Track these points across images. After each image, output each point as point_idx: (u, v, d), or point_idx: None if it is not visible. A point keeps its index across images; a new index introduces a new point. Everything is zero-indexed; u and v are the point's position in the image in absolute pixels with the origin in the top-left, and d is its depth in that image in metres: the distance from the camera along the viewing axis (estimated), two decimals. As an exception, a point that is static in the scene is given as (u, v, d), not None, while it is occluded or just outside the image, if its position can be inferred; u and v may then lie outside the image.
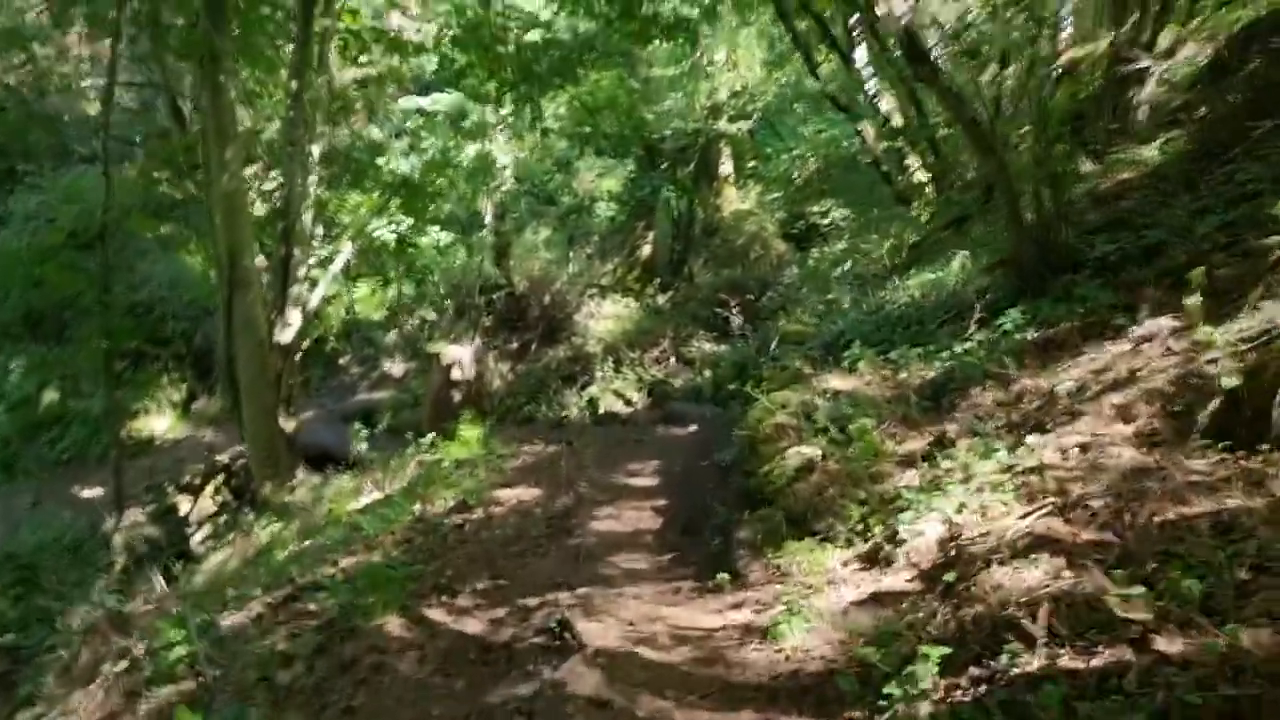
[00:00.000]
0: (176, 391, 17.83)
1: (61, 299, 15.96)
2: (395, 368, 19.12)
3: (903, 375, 6.81)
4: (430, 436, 9.83)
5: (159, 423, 17.63)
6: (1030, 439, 4.65)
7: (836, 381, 7.06)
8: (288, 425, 12.96)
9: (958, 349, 6.45)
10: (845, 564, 4.78)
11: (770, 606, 4.64)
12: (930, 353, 6.75)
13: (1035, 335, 6.18)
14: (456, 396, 10.42)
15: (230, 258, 12.05)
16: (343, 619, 5.21)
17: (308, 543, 8.30)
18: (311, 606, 5.84)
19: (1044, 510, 4.15)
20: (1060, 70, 13.31)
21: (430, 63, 13.97)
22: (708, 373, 16.31)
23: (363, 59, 13.45)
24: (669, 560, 6.23)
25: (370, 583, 5.36)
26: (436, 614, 5.35)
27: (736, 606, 4.85)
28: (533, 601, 5.37)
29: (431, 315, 19.11)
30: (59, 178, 18.55)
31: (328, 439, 16.34)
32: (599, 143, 14.84)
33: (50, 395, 17.94)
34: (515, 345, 19.43)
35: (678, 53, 22.08)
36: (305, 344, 17.48)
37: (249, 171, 14.01)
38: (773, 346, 9.79)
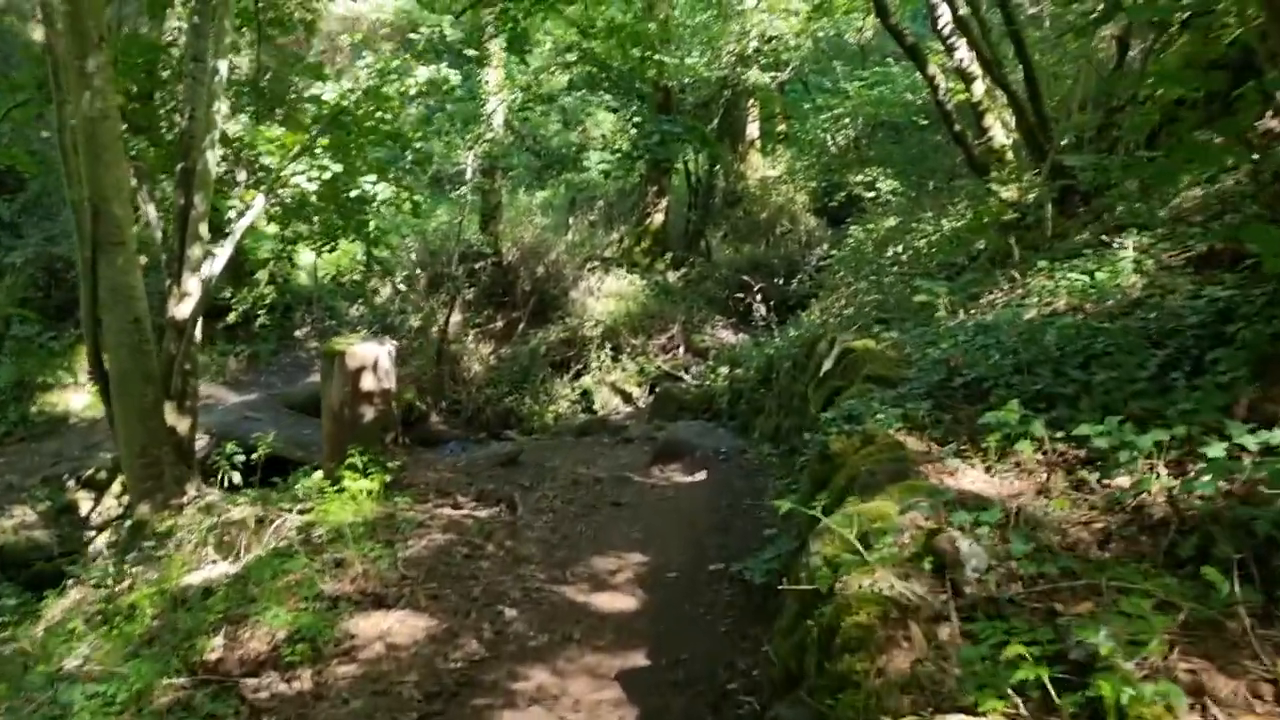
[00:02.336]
0: (97, 362, 14.37)
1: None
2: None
3: (1119, 480, 3.29)
4: (316, 479, 6.38)
5: (76, 398, 14.24)
6: None
7: (976, 480, 3.57)
8: (180, 424, 9.46)
9: (1248, 441, 2.91)
10: None
11: None
12: (1181, 441, 3.19)
13: None
14: (368, 414, 6.92)
15: (94, 206, 8.55)
16: None
17: (69, 664, 4.90)
18: None
19: None
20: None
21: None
22: (724, 370, 12.79)
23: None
24: None
25: None
26: None
27: None
28: None
29: (404, 285, 15.60)
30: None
31: (264, 431, 12.97)
32: (600, 76, 11.29)
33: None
34: (500, 324, 15.95)
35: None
36: (233, 318, 14.11)
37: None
38: (825, 366, 6.21)
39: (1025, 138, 10.11)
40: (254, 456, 7.21)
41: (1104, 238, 6.27)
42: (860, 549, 3.06)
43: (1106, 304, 5.05)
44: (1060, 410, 3.84)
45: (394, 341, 7.30)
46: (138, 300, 8.81)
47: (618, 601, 4.69)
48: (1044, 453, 3.63)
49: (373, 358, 6.99)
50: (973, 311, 6.35)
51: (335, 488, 6.12)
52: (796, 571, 3.89)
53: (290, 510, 6.41)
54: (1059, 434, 3.62)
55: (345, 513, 5.64)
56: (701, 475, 7.22)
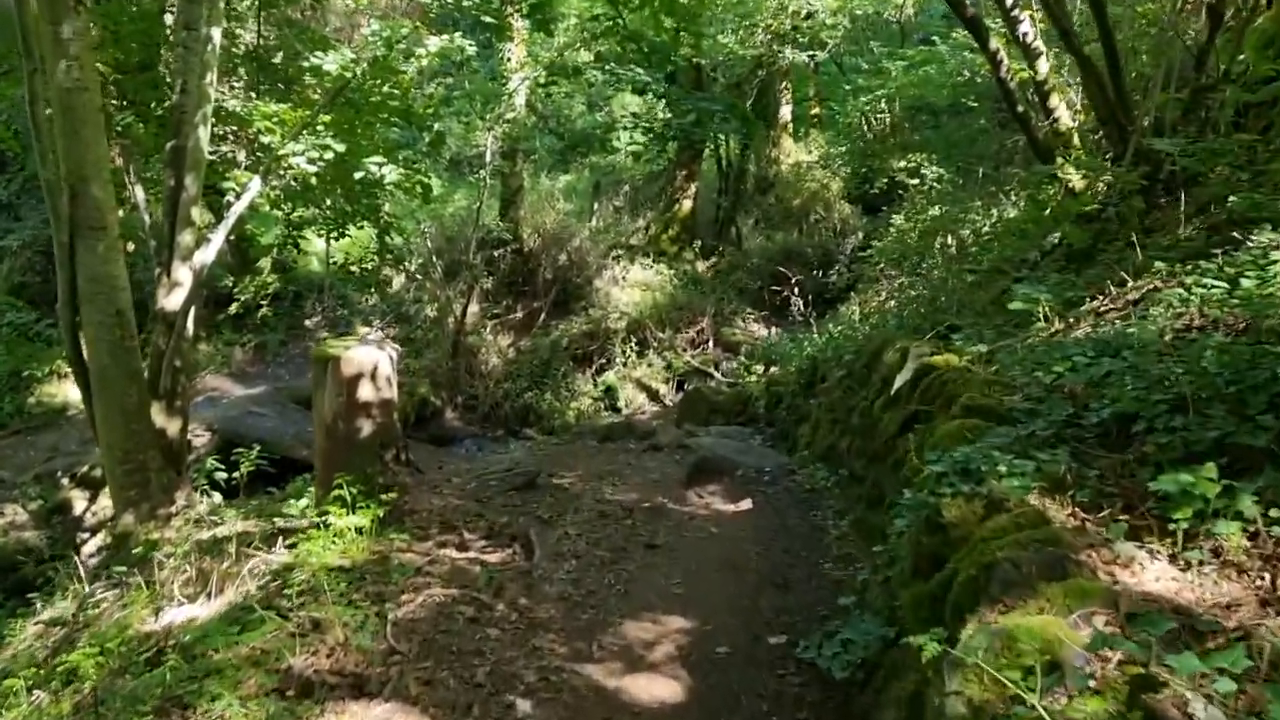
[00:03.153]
0: (99, 352, 13.52)
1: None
2: (373, 334, 14.69)
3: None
4: (304, 506, 5.45)
5: (75, 390, 13.34)
6: None
7: (1163, 577, 2.57)
8: (169, 426, 8.54)
9: None
10: None
11: None
12: None
13: None
14: (366, 428, 5.96)
15: (71, 187, 7.63)
16: None
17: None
18: None
19: None
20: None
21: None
22: (758, 369, 11.79)
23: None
24: None
25: None
26: None
27: None
28: None
29: (420, 273, 14.66)
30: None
31: (270, 428, 12.09)
32: (630, 50, 10.28)
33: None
34: (520, 315, 14.99)
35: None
36: (234, 308, 13.19)
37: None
38: (897, 383, 5.20)
39: (1105, 118, 9.01)
40: (235, 475, 6.27)
41: (1235, 234, 5.20)
42: (1034, 701, 2.06)
43: (1265, 320, 4.00)
44: (1266, 475, 2.82)
45: (395, 345, 6.32)
46: (120, 290, 7.90)
47: (655, 687, 3.71)
48: (1251, 536, 2.62)
49: (371, 363, 6.02)
50: (1072, 320, 5.31)
51: (321, 519, 5.17)
52: (902, 676, 2.90)
53: (274, 542, 5.49)
54: (1271, 510, 2.61)
55: (330, 555, 4.69)
56: (746, 504, 6.20)
